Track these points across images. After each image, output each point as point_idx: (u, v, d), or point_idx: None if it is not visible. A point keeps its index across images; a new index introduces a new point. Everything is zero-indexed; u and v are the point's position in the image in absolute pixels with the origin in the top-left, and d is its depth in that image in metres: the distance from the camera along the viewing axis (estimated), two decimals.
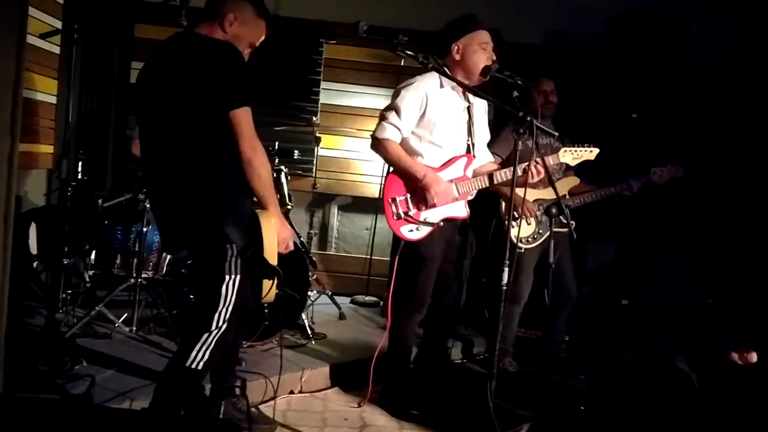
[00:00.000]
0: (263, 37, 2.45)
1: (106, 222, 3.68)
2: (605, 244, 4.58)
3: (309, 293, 3.92)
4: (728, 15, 4.62)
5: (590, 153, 3.19)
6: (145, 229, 3.55)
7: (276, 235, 2.25)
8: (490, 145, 3.28)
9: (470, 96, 3.03)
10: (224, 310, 2.22)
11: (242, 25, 2.34)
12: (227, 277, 2.20)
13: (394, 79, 4.78)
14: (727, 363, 2.98)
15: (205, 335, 2.22)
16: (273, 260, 2.24)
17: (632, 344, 3.92)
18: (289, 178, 3.98)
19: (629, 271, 4.53)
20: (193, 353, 2.22)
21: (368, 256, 5.07)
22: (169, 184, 2.27)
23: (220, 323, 2.23)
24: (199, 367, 2.23)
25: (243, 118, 2.18)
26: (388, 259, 4.92)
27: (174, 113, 2.21)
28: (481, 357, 3.96)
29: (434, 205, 2.91)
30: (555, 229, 3.40)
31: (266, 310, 3.38)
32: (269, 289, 2.28)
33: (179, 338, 3.31)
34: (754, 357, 2.75)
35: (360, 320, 4.54)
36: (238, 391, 2.81)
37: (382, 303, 4.85)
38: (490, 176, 3.03)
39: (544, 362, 3.76)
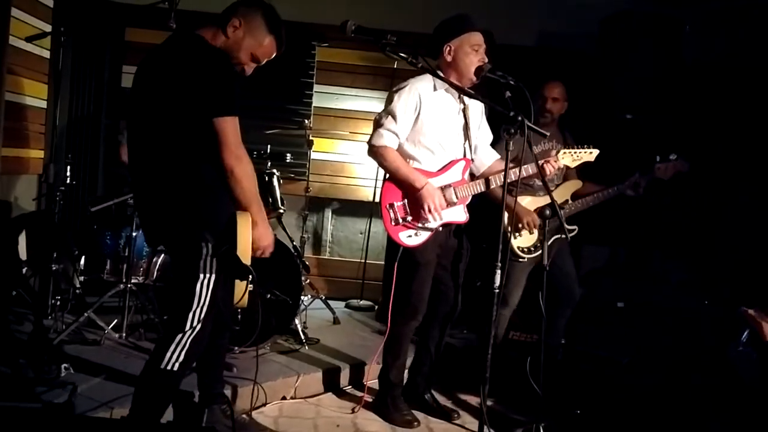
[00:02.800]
0: (272, 56, 2.38)
1: (96, 227, 3.63)
2: (599, 247, 4.56)
3: (302, 298, 3.88)
4: (720, 14, 4.61)
5: (590, 154, 3.16)
6: (134, 234, 3.51)
7: (252, 237, 2.20)
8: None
9: (465, 98, 3.00)
10: (198, 309, 2.18)
11: (246, 33, 2.28)
12: (201, 275, 2.17)
13: (387, 82, 4.76)
14: (730, 366, 2.95)
15: (179, 336, 2.18)
16: (246, 260, 2.18)
17: (628, 347, 3.88)
18: (281, 181, 3.95)
19: (624, 274, 4.50)
20: (168, 354, 2.17)
21: (362, 260, 5.04)
22: (151, 181, 2.25)
23: (195, 323, 2.19)
24: (175, 369, 2.18)
25: (227, 126, 2.13)
26: (383, 263, 4.92)
27: (160, 113, 2.19)
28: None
29: (427, 218, 2.89)
30: (555, 237, 3.38)
31: (239, 316, 3.33)
32: (243, 292, 2.22)
33: None
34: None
35: (354, 325, 4.50)
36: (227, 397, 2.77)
37: (376, 307, 4.81)
38: (487, 180, 3.00)
39: (539, 366, 3.72)
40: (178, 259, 2.27)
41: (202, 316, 2.19)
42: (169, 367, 2.17)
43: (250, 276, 2.16)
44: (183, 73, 2.15)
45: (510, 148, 2.45)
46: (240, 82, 2.21)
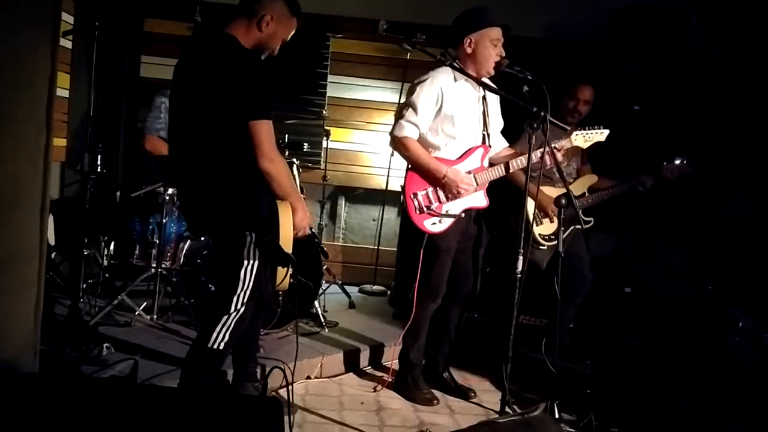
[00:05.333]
0: (293, 32, 2.54)
1: (125, 213, 3.76)
2: (606, 234, 4.69)
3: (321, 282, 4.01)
4: (726, 6, 4.72)
5: (601, 134, 3.24)
6: (163, 221, 3.63)
7: (292, 223, 2.36)
8: (514, 144, 3.37)
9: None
10: (242, 293, 2.35)
11: (278, 24, 2.42)
12: (246, 262, 2.33)
13: (400, 72, 4.88)
14: (730, 350, 3.12)
15: (225, 317, 2.35)
16: (288, 248, 2.35)
17: (635, 330, 4.04)
18: (300, 170, 4.07)
19: (630, 261, 4.64)
20: (214, 335, 2.34)
21: (375, 247, 5.18)
22: (196, 176, 2.38)
23: (239, 306, 2.35)
24: (221, 348, 2.35)
25: (262, 129, 2.26)
26: (395, 249, 5.06)
27: (201, 112, 2.32)
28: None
29: (463, 195, 3.01)
30: (572, 227, 3.54)
31: (280, 298, 3.49)
32: (284, 276, 2.39)
33: (199, 326, 3.40)
34: None
35: (369, 309, 4.64)
36: (259, 374, 2.93)
37: (389, 292, 4.96)
38: (507, 165, 3.11)
39: (550, 348, 3.87)
40: (223, 247, 2.42)
41: (246, 299, 2.35)
42: (215, 346, 2.33)
43: (291, 263, 2.31)
44: (221, 77, 2.27)
45: (533, 141, 2.58)
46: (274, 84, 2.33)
